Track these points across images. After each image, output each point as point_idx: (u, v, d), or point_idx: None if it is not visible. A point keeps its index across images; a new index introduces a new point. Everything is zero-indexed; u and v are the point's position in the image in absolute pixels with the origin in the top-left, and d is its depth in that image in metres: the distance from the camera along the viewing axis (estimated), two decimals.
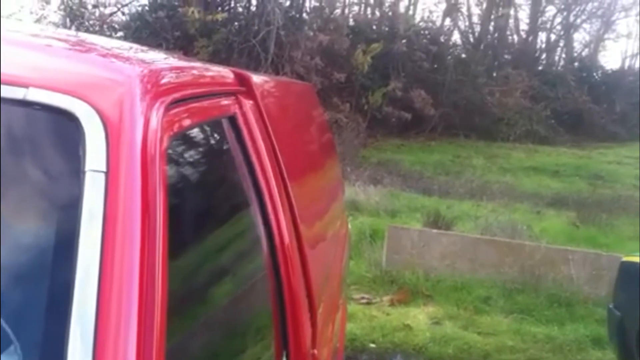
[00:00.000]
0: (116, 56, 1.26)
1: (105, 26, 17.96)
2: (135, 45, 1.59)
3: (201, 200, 1.30)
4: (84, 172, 0.90)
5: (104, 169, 0.90)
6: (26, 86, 0.94)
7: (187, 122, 1.17)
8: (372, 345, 5.63)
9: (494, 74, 23.06)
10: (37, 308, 0.85)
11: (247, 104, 1.60)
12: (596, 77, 25.10)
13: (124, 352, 0.80)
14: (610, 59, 50.58)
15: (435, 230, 7.72)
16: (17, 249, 0.90)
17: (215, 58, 15.22)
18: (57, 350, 0.80)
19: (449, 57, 21.92)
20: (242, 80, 1.68)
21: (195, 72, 1.44)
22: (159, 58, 1.48)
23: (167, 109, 1.05)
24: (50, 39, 1.32)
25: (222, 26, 16.76)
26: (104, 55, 1.23)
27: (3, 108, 0.93)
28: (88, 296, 0.82)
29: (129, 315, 0.82)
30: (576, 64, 25.28)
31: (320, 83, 16.50)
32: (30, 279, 0.88)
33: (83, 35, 1.42)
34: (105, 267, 0.84)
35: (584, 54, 26.43)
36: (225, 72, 1.66)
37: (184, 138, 1.19)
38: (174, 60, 1.48)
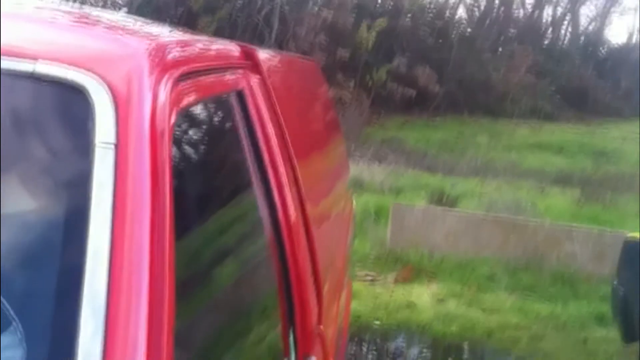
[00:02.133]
0: (122, 30, 1.24)
1: (109, 2, 17.87)
2: (140, 19, 1.57)
3: (209, 175, 1.30)
4: (93, 145, 0.89)
5: (114, 142, 0.90)
6: (35, 59, 0.93)
7: (195, 96, 1.17)
8: (377, 323, 5.65)
9: (499, 50, 22.93)
10: (47, 284, 0.85)
11: (254, 78, 1.58)
12: (602, 52, 24.93)
13: (134, 327, 0.80)
14: (616, 33, 50.26)
15: (439, 209, 7.72)
16: (27, 222, 0.90)
17: (218, 35, 15.14)
18: (68, 326, 0.79)
19: (454, 32, 21.78)
20: (249, 55, 1.67)
21: (202, 46, 1.42)
22: (165, 32, 1.47)
23: (176, 82, 1.05)
24: (55, 13, 1.30)
25: (225, 2, 16.65)
26: (110, 29, 1.22)
27: (12, 81, 0.93)
28: (99, 267, 0.82)
29: (139, 288, 0.82)
30: (582, 39, 25.11)
31: (324, 60, 16.41)
32: (41, 253, 0.88)
33: (87, 9, 1.40)
34: (116, 239, 0.84)
35: (590, 28, 26.25)
36: (231, 47, 1.64)
37: (192, 112, 1.19)
38: (180, 35, 1.47)
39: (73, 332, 0.79)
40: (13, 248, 0.88)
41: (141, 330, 0.80)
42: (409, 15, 20.04)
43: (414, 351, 5.52)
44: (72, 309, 0.80)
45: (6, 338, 0.83)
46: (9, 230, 0.88)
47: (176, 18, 16.55)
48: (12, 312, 0.83)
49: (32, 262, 0.88)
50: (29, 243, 0.89)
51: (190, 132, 1.20)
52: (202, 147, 1.29)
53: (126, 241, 0.84)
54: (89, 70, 0.93)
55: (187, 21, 16.42)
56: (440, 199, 8.55)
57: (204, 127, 1.31)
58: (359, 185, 9.41)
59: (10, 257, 0.87)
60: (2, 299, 0.83)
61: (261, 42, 16.15)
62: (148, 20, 1.57)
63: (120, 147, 0.89)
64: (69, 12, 1.28)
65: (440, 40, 20.86)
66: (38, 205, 0.91)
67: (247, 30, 16.92)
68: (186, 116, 1.13)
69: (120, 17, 1.37)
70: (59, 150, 0.93)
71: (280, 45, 16.66)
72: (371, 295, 6.05)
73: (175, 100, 1.03)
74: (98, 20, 1.28)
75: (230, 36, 15.14)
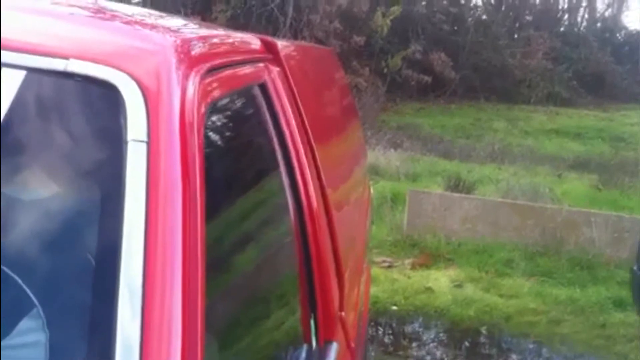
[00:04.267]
0: (142, 24, 1.26)
1: None
2: (154, 12, 1.58)
3: (235, 166, 1.33)
4: (126, 142, 0.91)
5: (146, 139, 0.92)
6: (66, 58, 0.95)
7: (221, 91, 1.19)
8: (394, 307, 5.69)
9: (515, 36, 22.74)
10: (86, 273, 0.88)
11: (275, 70, 1.61)
12: (619, 37, 24.66)
13: (169, 310, 0.83)
14: (634, 18, 49.46)
15: (456, 194, 7.71)
16: (64, 217, 0.93)
17: (233, 23, 15.14)
18: (107, 310, 0.83)
19: (470, 18, 21.63)
20: (269, 47, 1.69)
21: (223, 40, 1.45)
22: (182, 25, 1.49)
23: (202, 77, 1.07)
24: (73, 8, 1.31)
25: None
26: (130, 24, 1.24)
27: (43, 80, 0.95)
28: (134, 263, 0.85)
29: (173, 276, 0.85)
30: (599, 24, 24.83)
31: (339, 47, 16.36)
32: (78, 247, 0.91)
33: (102, 3, 1.41)
34: (150, 233, 0.86)
35: (607, 14, 25.94)
36: (252, 39, 1.67)
37: (219, 106, 1.21)
38: (199, 28, 1.49)
39: (113, 314, 0.83)
40: (48, 240, 0.92)
41: (176, 312, 0.83)
42: (424, 1, 19.91)
43: (431, 335, 5.55)
44: (109, 299, 0.83)
45: (28, 323, 0.87)
46: (45, 223, 0.92)
47: (191, 6, 16.54)
48: (33, 298, 0.86)
49: (70, 253, 0.92)
50: (65, 235, 0.92)
51: (218, 125, 1.23)
52: (228, 138, 1.32)
53: (159, 235, 0.87)
54: (118, 67, 0.95)
55: (202, 9, 16.42)
56: (457, 185, 8.52)
57: (230, 119, 1.34)
58: (375, 172, 9.41)
59: (47, 248, 0.91)
60: (22, 284, 0.87)
61: (276, 30, 16.13)
62: (161, 13, 1.58)
63: (152, 144, 0.91)
64: (85, 7, 1.28)
65: (456, 27, 20.71)
66: (75, 200, 0.94)
67: (262, 18, 16.89)
68: (213, 110, 1.16)
69: (135, 10, 1.38)
70: (92, 147, 0.95)
71: (295, 32, 16.63)
72: (388, 280, 6.07)
73: (203, 95, 1.05)
74: (115, 15, 1.28)
75: (245, 24, 15.14)
